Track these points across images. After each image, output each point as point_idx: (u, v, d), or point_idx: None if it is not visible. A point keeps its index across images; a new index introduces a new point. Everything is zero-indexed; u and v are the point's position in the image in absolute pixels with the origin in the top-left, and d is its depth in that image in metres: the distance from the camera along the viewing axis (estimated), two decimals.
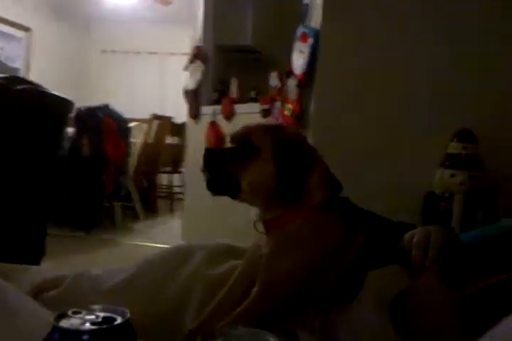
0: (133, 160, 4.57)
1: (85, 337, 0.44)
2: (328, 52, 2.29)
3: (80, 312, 0.48)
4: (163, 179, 5.65)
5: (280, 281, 0.87)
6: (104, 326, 0.46)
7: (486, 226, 0.95)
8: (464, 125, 2.08)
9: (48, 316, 0.77)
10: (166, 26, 6.30)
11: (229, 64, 3.69)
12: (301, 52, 2.43)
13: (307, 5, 2.55)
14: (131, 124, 4.52)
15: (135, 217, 4.70)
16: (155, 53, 6.75)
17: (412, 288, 0.77)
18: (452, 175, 2.07)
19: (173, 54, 6.71)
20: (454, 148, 2.08)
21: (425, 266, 0.84)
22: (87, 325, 0.46)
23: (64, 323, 0.45)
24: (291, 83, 2.50)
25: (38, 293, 1.12)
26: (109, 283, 1.05)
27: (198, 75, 3.47)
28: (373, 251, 0.89)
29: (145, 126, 4.78)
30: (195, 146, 3.52)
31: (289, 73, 2.52)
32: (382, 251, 0.91)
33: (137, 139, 4.65)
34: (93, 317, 0.47)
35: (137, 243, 3.85)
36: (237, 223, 2.98)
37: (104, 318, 0.47)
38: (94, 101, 4.37)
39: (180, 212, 5.25)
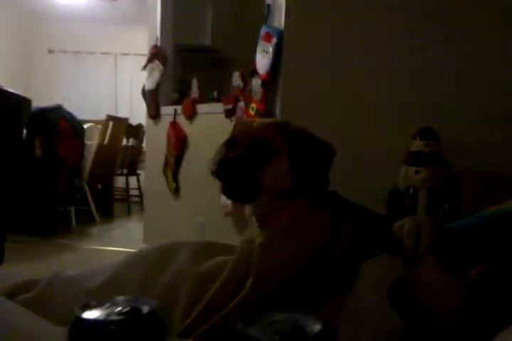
0: (88, 163, 4.44)
1: (113, 327, 0.42)
2: (292, 51, 2.31)
3: (102, 304, 0.45)
4: (119, 182, 5.51)
5: (274, 273, 0.87)
6: (131, 316, 0.44)
7: (469, 216, 0.97)
8: (425, 123, 2.15)
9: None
10: (119, 26, 6.17)
11: (188, 64, 3.66)
12: (265, 51, 2.44)
13: (269, 5, 2.56)
14: (86, 126, 4.38)
15: (91, 221, 4.56)
16: (108, 53, 6.60)
17: (412, 275, 0.78)
18: (416, 172, 2.13)
19: (126, 54, 6.58)
20: (417, 145, 2.14)
21: (418, 254, 0.86)
22: (114, 316, 0.43)
23: (88, 314, 0.43)
24: (256, 83, 2.50)
25: (9, 297, 1.06)
26: (92, 282, 1.01)
27: (157, 75, 3.41)
28: (363, 242, 0.90)
29: (100, 127, 4.65)
30: (155, 147, 3.46)
31: (253, 73, 2.52)
32: (372, 242, 0.92)
33: (92, 141, 4.52)
34: (118, 308, 0.45)
35: (95, 247, 3.74)
36: (200, 223, 2.95)
37: (130, 309, 0.45)
38: (42, 103, 4.20)
39: (137, 215, 5.15)
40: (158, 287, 0.98)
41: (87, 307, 0.44)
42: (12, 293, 1.08)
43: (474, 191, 2.05)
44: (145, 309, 0.45)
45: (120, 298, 0.47)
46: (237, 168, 0.87)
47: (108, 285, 0.99)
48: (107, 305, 0.45)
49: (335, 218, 0.91)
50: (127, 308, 0.45)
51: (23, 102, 2.17)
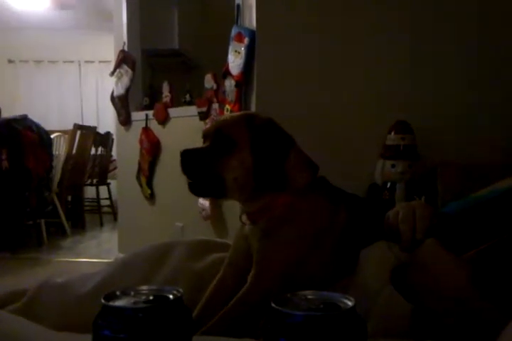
0: (57, 174, 4.33)
1: (141, 314, 0.41)
2: (265, 51, 2.32)
3: (128, 293, 0.44)
4: (89, 192, 5.40)
5: (276, 262, 0.87)
6: (158, 303, 0.42)
7: (461, 200, 0.99)
8: (399, 117, 2.19)
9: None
10: (81, 33, 6.06)
11: (157, 68, 3.63)
12: (238, 52, 2.44)
13: (239, 5, 2.56)
14: (53, 136, 4.28)
15: (62, 234, 4.46)
16: (71, 62, 6.47)
17: (414, 259, 0.79)
18: (393, 166, 2.16)
19: (90, 62, 6.47)
20: (393, 139, 2.18)
21: (415, 238, 0.87)
22: (141, 304, 0.42)
23: (116, 303, 0.42)
24: (229, 84, 2.49)
25: None
26: (84, 287, 0.98)
27: (126, 81, 3.37)
28: (358, 226, 0.91)
29: (67, 137, 4.55)
30: (127, 154, 3.41)
31: (226, 74, 2.51)
32: (367, 226, 0.92)
33: (60, 151, 4.42)
34: (144, 296, 0.43)
35: (68, 259, 3.66)
36: (178, 228, 2.92)
37: (156, 297, 0.43)
38: (4, 115, 4.08)
39: (109, 225, 5.05)
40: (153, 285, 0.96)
41: (113, 296, 0.43)
42: (0, 305, 1.04)
43: (449, 182, 2.10)
44: (171, 296, 0.44)
45: (145, 287, 0.46)
46: (197, 160, 0.88)
47: (102, 287, 0.96)
48: (132, 293, 0.44)
49: (327, 203, 0.92)
50: (153, 296, 0.44)
51: None
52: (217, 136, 0.90)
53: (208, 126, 0.97)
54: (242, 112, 0.95)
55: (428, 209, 0.91)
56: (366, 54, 2.28)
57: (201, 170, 0.88)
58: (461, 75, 2.27)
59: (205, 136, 0.93)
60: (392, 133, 2.18)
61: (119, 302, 0.42)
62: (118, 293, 0.43)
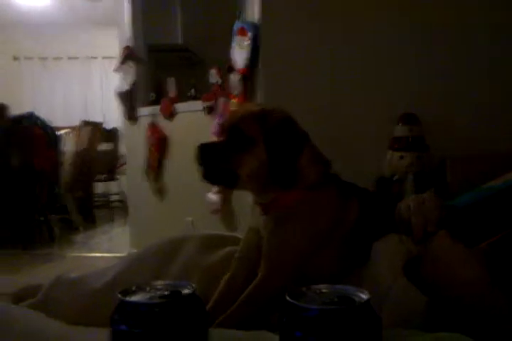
0: (65, 170, 4.36)
1: (157, 309, 0.41)
2: (269, 44, 2.31)
3: (143, 289, 0.44)
4: (99, 188, 5.43)
5: (288, 255, 0.87)
6: (174, 298, 0.43)
7: (471, 192, 0.99)
8: (407, 110, 2.18)
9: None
10: (85, 29, 6.07)
11: (162, 63, 3.62)
12: (241, 46, 2.43)
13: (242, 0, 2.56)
14: (59, 132, 4.31)
15: (73, 229, 4.49)
16: (76, 58, 6.48)
17: (427, 251, 0.79)
18: (401, 157, 2.15)
19: (94, 58, 6.48)
20: (401, 131, 2.17)
21: (427, 231, 0.86)
22: (156, 299, 0.43)
23: (132, 298, 0.42)
24: (234, 78, 2.49)
25: (14, 303, 1.04)
26: (98, 281, 0.99)
27: (131, 76, 3.37)
28: (370, 219, 0.91)
29: (74, 133, 4.58)
30: (135, 149, 3.42)
31: (230, 68, 2.51)
32: (379, 220, 0.92)
33: (68, 148, 4.44)
34: (159, 291, 0.44)
35: (80, 255, 3.69)
36: (188, 223, 2.93)
37: (171, 292, 0.44)
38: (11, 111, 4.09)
39: (119, 220, 5.09)
40: (166, 279, 0.97)
41: (129, 292, 0.43)
42: (15, 301, 1.06)
43: (458, 173, 2.09)
44: (185, 291, 0.44)
45: (159, 282, 0.46)
46: (213, 155, 0.91)
47: (116, 282, 0.97)
48: (148, 289, 0.44)
49: (338, 197, 0.92)
50: (168, 292, 0.44)
51: None
52: (233, 132, 0.91)
53: (228, 117, 0.99)
54: (259, 107, 0.95)
55: (439, 201, 0.91)
56: (373, 45, 2.26)
57: (217, 165, 0.91)
58: (469, 66, 2.25)
59: (223, 129, 0.94)
60: (400, 124, 2.16)
61: (135, 298, 0.43)
62: (134, 288, 0.44)
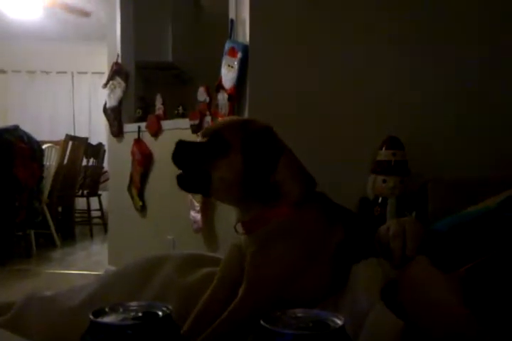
0: (47, 185, 4.31)
1: (129, 331, 0.40)
2: (258, 66, 2.34)
3: (117, 309, 0.43)
4: (80, 203, 5.36)
5: (268, 277, 0.86)
6: (147, 320, 0.42)
7: (450, 217, 1.00)
8: (390, 132, 2.21)
9: None
10: (74, 44, 6.06)
11: (151, 80, 3.64)
12: (231, 66, 2.46)
13: (232, 20, 2.59)
14: (44, 146, 4.27)
15: (52, 245, 4.41)
16: (64, 72, 6.47)
17: (404, 276, 0.79)
18: (384, 181, 2.18)
19: (83, 73, 6.47)
20: (384, 155, 2.19)
21: (406, 255, 0.87)
22: (129, 320, 0.42)
23: (105, 319, 0.41)
24: (222, 97, 2.51)
25: None
26: (72, 300, 0.97)
27: (119, 92, 3.37)
28: (353, 243, 0.90)
29: (58, 148, 4.54)
30: (119, 166, 3.40)
31: (219, 87, 2.53)
32: (361, 244, 0.92)
33: (51, 162, 4.40)
34: (133, 312, 0.43)
35: (58, 271, 3.62)
36: (169, 241, 2.90)
37: (145, 313, 0.43)
38: None
39: (99, 237, 5.01)
40: (145, 299, 0.95)
41: (101, 312, 0.43)
42: None
43: (439, 198, 2.11)
44: (160, 313, 0.44)
45: (134, 303, 0.45)
46: (189, 153, 0.91)
47: (90, 301, 0.95)
48: (121, 310, 0.43)
49: (323, 218, 0.91)
50: (141, 313, 0.43)
51: None
52: (213, 136, 0.91)
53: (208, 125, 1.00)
54: (243, 117, 0.96)
55: (418, 225, 0.92)
56: (360, 68, 2.30)
57: (191, 163, 0.90)
58: (454, 91, 2.30)
59: (204, 133, 0.95)
60: (384, 148, 2.19)
61: (107, 319, 0.42)
62: (107, 309, 0.43)
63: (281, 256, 0.87)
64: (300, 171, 0.94)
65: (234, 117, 1.02)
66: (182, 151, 0.91)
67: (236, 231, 0.92)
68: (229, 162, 0.88)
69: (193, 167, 0.90)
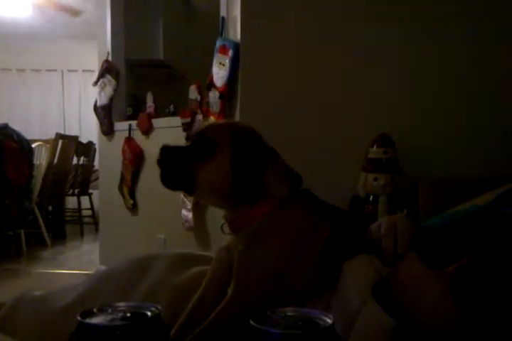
0: (37, 184, 4.27)
1: (118, 332, 0.40)
2: (249, 63, 2.33)
3: (105, 310, 0.43)
4: (70, 202, 5.33)
5: (256, 276, 0.86)
6: (136, 320, 0.42)
7: (441, 214, 1.00)
8: (382, 130, 2.21)
9: None
10: (65, 42, 6.02)
11: (141, 78, 3.62)
12: (222, 64, 2.45)
13: (224, 18, 2.58)
14: (34, 145, 4.23)
15: (42, 244, 4.38)
16: (54, 70, 6.42)
17: (394, 273, 0.79)
18: (375, 179, 2.18)
19: (73, 71, 6.43)
20: (375, 153, 2.19)
21: (397, 253, 0.87)
22: (118, 321, 0.41)
23: (93, 320, 0.41)
24: (213, 95, 2.50)
25: None
26: (62, 301, 0.96)
27: (109, 90, 3.35)
28: (341, 240, 0.91)
29: (48, 146, 4.50)
30: (109, 164, 3.38)
31: (210, 85, 2.52)
32: (350, 241, 0.93)
33: (41, 161, 4.36)
34: (121, 313, 0.43)
35: (48, 271, 3.59)
36: (160, 240, 2.89)
37: (133, 314, 0.43)
38: None
39: (90, 236, 4.99)
40: (135, 299, 0.95)
41: (89, 313, 0.42)
42: None
43: (430, 196, 2.12)
44: (148, 313, 0.43)
45: (122, 304, 0.45)
46: (173, 157, 0.91)
47: (80, 301, 0.95)
48: (110, 310, 0.43)
49: (309, 215, 0.91)
50: (130, 313, 0.43)
51: None
52: (198, 138, 0.91)
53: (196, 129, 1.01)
54: (227, 120, 0.97)
55: (410, 223, 0.92)
56: (350, 67, 2.30)
57: (176, 166, 0.91)
58: (446, 90, 2.31)
59: (190, 137, 0.95)
60: (375, 146, 2.19)
61: (95, 320, 0.41)
62: (95, 309, 0.43)
63: (268, 254, 0.87)
64: (285, 170, 0.95)
65: (217, 121, 1.03)
66: (167, 156, 0.92)
67: (223, 231, 0.92)
68: (216, 163, 0.88)
69: (178, 170, 0.91)
